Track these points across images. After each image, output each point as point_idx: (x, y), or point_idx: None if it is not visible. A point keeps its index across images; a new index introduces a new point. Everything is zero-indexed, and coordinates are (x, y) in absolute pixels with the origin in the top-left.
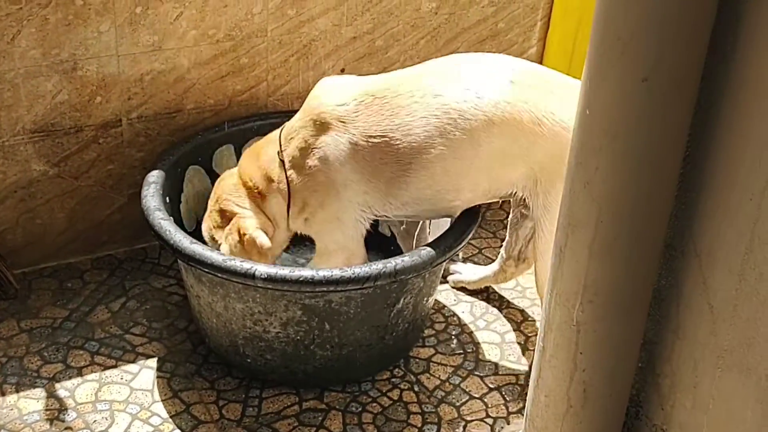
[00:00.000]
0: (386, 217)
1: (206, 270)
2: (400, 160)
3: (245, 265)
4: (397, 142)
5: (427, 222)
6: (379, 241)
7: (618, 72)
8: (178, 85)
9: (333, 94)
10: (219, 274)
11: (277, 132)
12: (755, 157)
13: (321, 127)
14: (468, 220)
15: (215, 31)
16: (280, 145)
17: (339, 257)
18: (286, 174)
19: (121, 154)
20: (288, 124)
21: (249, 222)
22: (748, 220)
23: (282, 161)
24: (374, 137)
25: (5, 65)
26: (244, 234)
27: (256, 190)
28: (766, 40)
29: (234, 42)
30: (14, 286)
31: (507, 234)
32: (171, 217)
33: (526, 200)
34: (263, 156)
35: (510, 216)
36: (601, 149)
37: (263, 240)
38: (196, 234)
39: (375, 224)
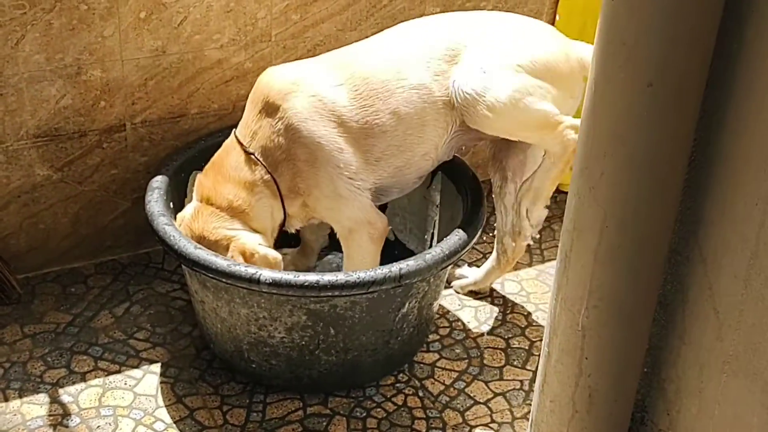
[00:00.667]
0: (371, 187)
1: (211, 275)
2: (365, 106)
3: (250, 270)
4: (358, 88)
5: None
6: (383, 246)
7: (623, 77)
8: (182, 90)
9: (274, 73)
10: (223, 280)
11: (228, 142)
12: (761, 162)
13: (274, 103)
14: (473, 224)
15: (219, 35)
16: (243, 146)
17: (362, 233)
18: (265, 167)
19: (125, 159)
20: (240, 127)
21: (250, 240)
22: (753, 226)
23: (253, 156)
24: (335, 86)
25: (9, 70)
26: (253, 254)
27: (238, 206)
28: None
29: (238, 46)
30: (17, 290)
31: (495, 210)
32: (175, 223)
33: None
34: (228, 169)
35: (492, 186)
36: (607, 154)
37: (274, 254)
38: None
39: None
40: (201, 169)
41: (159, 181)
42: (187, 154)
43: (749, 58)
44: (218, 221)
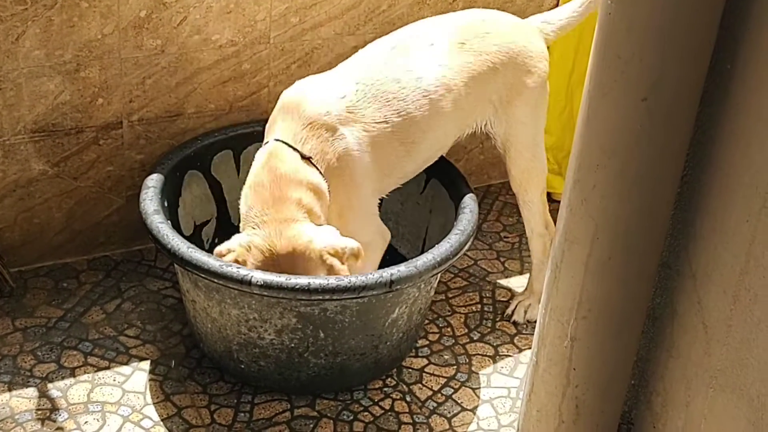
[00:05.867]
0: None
1: (203, 275)
2: (403, 140)
3: (242, 272)
4: (399, 125)
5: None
6: None
7: (618, 91)
8: (180, 89)
9: (325, 92)
10: (215, 280)
11: (277, 147)
12: (752, 179)
13: (333, 127)
14: (465, 231)
15: (218, 36)
16: (298, 151)
17: (375, 245)
18: (320, 171)
19: (121, 156)
20: (286, 132)
21: (333, 242)
22: (743, 242)
23: (309, 160)
24: (380, 123)
25: (9, 65)
26: (343, 251)
27: (310, 206)
28: (765, 65)
29: (237, 48)
30: (10, 284)
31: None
32: (169, 221)
33: (489, 129)
34: (295, 174)
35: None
36: (599, 167)
37: (353, 242)
38: (193, 238)
39: None
40: (197, 168)
41: (154, 180)
42: (182, 153)
43: (742, 77)
44: (304, 233)
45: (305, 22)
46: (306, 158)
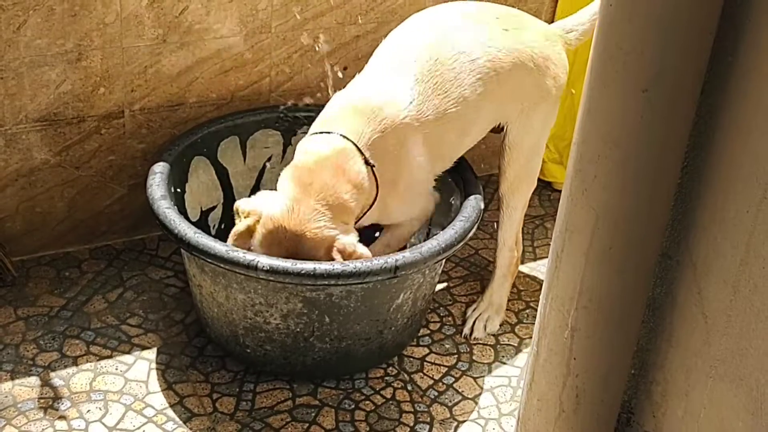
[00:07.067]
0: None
1: (209, 260)
2: (460, 126)
3: (248, 257)
4: (458, 112)
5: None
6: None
7: (619, 82)
8: (182, 79)
9: (395, 96)
10: (222, 265)
11: (344, 144)
12: (753, 169)
13: (400, 131)
14: (469, 218)
15: (220, 26)
16: (364, 155)
17: (422, 218)
18: (377, 181)
19: (123, 145)
20: (354, 132)
21: (350, 240)
22: (744, 232)
23: (372, 169)
24: (441, 117)
25: (10, 54)
26: (353, 253)
27: (349, 207)
28: (766, 56)
29: (238, 37)
30: (12, 273)
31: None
32: (175, 207)
33: (508, 127)
34: (351, 171)
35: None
36: (600, 157)
37: (368, 252)
38: (200, 224)
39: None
40: (203, 154)
41: (161, 167)
42: (189, 140)
43: (744, 67)
44: (322, 220)
45: (306, 11)
46: (369, 165)
